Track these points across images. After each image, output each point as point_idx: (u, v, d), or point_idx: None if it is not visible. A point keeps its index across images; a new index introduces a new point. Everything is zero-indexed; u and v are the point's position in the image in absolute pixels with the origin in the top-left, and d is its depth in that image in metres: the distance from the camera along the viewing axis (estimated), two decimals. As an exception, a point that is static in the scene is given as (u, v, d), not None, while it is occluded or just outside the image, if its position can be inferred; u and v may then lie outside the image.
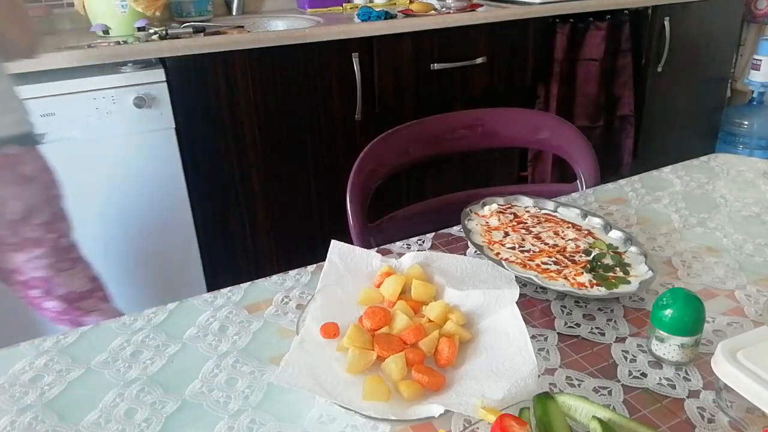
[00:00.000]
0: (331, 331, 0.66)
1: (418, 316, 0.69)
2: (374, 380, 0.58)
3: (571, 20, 2.08)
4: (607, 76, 2.21)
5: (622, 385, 0.62)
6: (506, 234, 0.85)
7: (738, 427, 0.56)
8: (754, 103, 2.86)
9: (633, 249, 0.82)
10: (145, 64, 1.69)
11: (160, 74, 1.69)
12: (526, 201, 0.95)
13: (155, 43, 1.70)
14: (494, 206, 0.93)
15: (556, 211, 0.93)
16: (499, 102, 2.08)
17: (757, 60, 2.76)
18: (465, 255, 0.84)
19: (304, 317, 0.68)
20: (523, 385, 0.57)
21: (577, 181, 1.19)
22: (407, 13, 1.97)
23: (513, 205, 0.94)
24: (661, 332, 0.63)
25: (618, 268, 0.77)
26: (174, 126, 1.75)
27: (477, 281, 0.73)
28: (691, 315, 0.62)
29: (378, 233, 1.09)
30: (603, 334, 0.69)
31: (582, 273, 0.75)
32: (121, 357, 0.68)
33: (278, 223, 1.95)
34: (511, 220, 0.89)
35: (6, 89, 1.09)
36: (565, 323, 0.71)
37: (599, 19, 2.12)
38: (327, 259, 0.77)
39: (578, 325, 0.71)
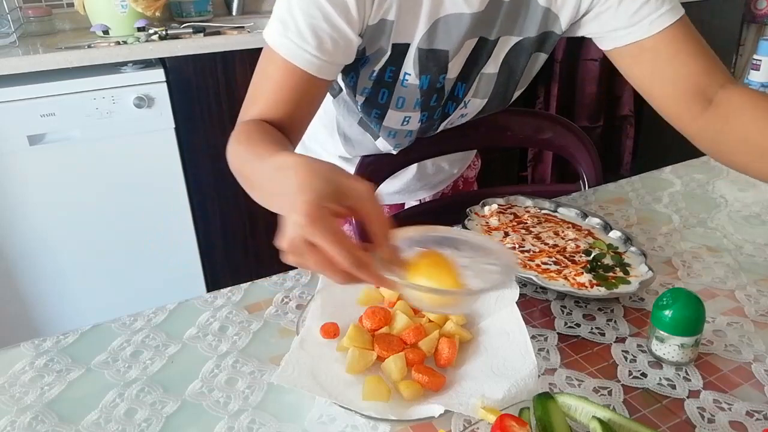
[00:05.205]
0: (331, 331, 0.66)
1: (418, 316, 0.69)
2: (374, 380, 0.58)
3: (571, 20, 2.08)
4: (607, 76, 2.21)
5: (622, 385, 0.61)
6: (506, 234, 0.85)
7: (738, 427, 0.56)
8: (754, 103, 2.85)
9: (633, 249, 0.82)
10: (145, 64, 1.70)
11: (160, 74, 1.69)
12: (526, 201, 0.95)
13: (155, 43, 1.70)
14: (494, 206, 0.93)
15: (556, 211, 0.93)
16: (499, 102, 2.07)
17: (757, 60, 2.76)
18: (465, 255, 0.84)
19: (304, 317, 0.68)
20: (523, 385, 0.57)
21: (580, 181, 1.18)
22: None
23: (513, 205, 0.94)
24: (661, 332, 0.63)
25: (618, 268, 0.77)
26: (174, 126, 1.75)
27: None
28: (691, 315, 0.62)
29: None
30: (603, 334, 0.69)
31: (582, 273, 0.75)
32: (121, 357, 0.68)
33: (278, 223, 1.95)
34: (511, 220, 0.89)
35: None
36: (565, 323, 0.71)
37: (599, 19, 2.12)
38: (327, 259, 0.77)
39: (578, 325, 0.71)
